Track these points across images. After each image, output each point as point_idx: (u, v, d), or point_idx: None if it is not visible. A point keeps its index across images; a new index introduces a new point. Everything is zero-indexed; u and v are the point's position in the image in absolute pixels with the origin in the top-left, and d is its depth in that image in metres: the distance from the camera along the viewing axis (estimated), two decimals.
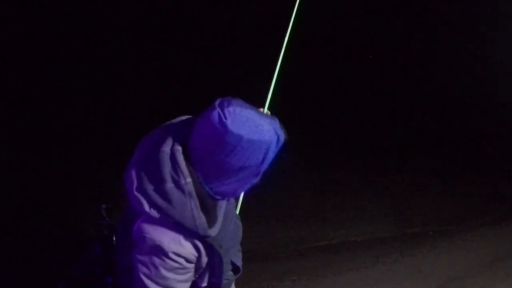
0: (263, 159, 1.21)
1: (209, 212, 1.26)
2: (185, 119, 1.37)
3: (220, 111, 1.15)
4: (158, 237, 1.23)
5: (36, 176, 4.56)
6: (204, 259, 1.32)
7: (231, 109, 1.16)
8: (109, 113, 5.84)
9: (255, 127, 1.16)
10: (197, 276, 1.38)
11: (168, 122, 1.38)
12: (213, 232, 1.27)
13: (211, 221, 1.26)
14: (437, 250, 3.74)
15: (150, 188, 1.21)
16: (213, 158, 1.18)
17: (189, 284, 1.35)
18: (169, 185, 1.19)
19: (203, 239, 1.27)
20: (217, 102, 1.19)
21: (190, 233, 1.24)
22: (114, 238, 1.54)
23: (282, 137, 1.23)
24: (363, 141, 5.89)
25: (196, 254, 1.29)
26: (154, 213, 1.20)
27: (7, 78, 5.86)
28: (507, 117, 6.08)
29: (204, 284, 1.41)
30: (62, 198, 4.14)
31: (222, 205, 1.34)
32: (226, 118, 1.14)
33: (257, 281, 3.14)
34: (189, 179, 1.20)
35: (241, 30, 6.59)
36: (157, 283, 1.27)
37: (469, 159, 5.43)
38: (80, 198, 4.13)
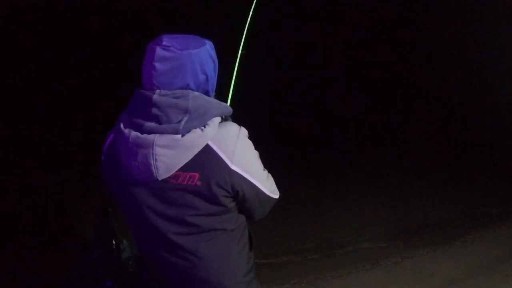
0: None
1: None
2: None
3: None
4: None
5: (36, 177, 4.56)
6: None
7: None
8: (110, 113, 5.83)
9: None
10: None
11: None
12: None
13: None
14: (437, 252, 3.74)
15: None
16: None
17: None
18: None
19: None
20: None
21: None
22: (113, 242, 1.53)
23: None
24: (362, 143, 5.88)
25: None
26: None
27: (7, 78, 5.86)
28: (507, 118, 6.08)
29: None
30: (62, 200, 4.14)
31: None
32: None
33: None
34: None
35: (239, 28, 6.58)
36: None
37: (469, 161, 5.43)
38: (81, 200, 4.13)
